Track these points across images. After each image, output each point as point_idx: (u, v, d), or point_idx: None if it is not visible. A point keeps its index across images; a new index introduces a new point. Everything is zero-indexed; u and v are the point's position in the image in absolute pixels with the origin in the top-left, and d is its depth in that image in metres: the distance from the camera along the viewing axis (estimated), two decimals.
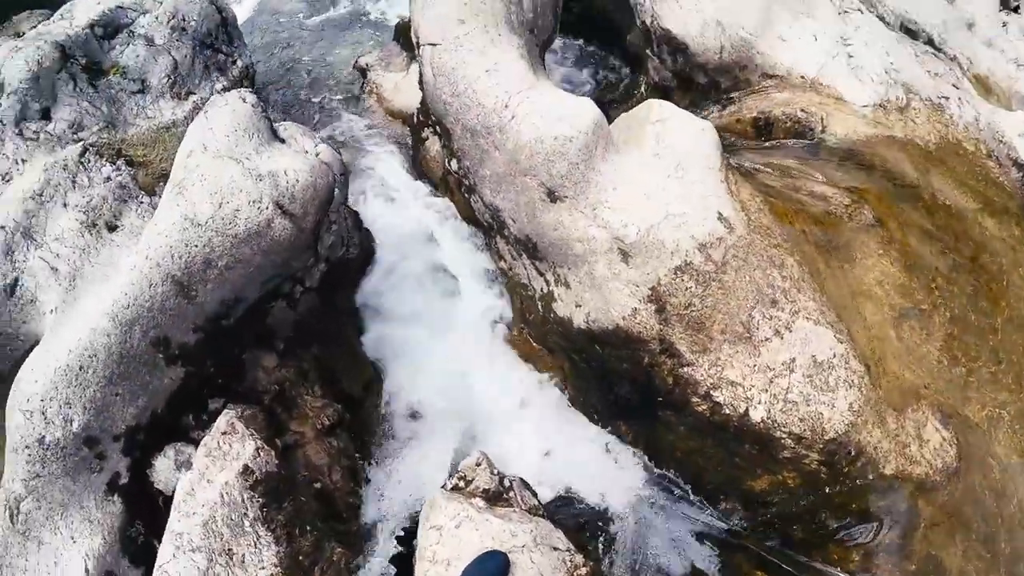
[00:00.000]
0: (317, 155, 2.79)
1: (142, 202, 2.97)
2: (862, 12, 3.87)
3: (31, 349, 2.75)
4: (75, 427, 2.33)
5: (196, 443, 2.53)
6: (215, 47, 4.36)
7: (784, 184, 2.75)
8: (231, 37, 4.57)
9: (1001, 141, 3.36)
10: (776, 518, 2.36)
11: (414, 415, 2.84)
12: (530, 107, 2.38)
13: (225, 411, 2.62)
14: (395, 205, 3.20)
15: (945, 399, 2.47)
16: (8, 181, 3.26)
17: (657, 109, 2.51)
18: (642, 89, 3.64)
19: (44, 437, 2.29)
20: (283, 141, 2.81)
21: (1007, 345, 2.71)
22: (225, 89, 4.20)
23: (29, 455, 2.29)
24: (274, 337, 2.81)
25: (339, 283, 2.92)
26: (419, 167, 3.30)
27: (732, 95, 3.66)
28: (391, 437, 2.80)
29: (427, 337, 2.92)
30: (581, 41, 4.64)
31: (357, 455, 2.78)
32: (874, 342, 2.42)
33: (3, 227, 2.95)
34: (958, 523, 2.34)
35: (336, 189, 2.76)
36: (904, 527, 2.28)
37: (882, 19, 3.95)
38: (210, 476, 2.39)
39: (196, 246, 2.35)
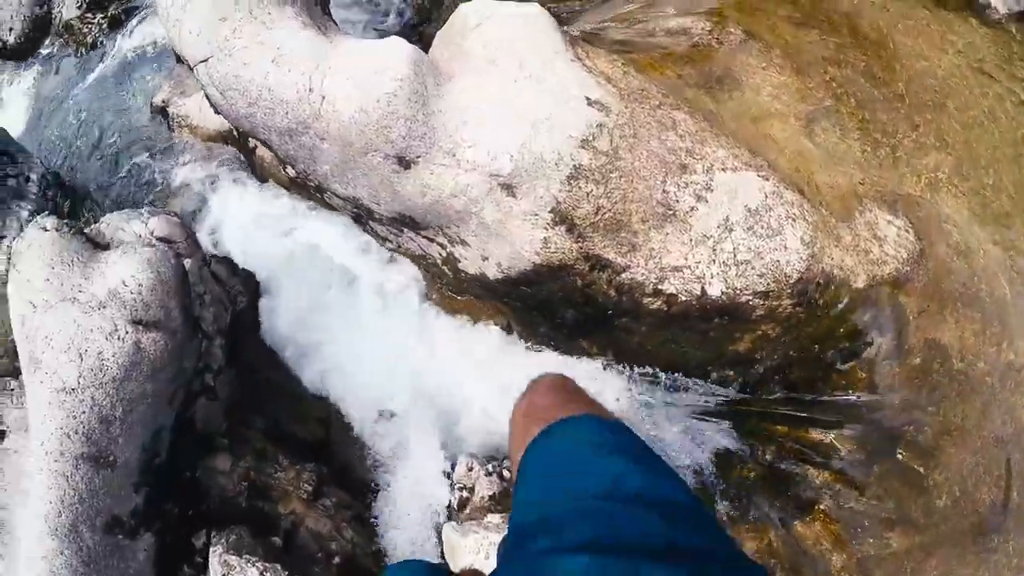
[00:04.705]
0: (152, 234, 2.44)
1: (13, 389, 2.56)
2: None
3: None
4: None
5: None
6: None
7: (637, 32, 2.45)
8: (12, 156, 4.03)
9: None
10: (770, 370, 2.25)
11: (383, 415, 2.60)
12: (337, 79, 2.01)
13: (212, 551, 2.39)
14: (258, 227, 2.83)
15: (883, 186, 2.35)
16: None
17: (472, 11, 2.15)
18: None
19: None
20: (107, 246, 2.43)
21: (917, 105, 2.59)
22: (31, 213, 3.70)
23: None
24: (213, 438, 2.55)
25: (243, 343, 2.63)
26: (263, 178, 2.92)
27: None
28: (376, 462, 2.57)
29: (354, 341, 2.65)
30: None
31: (355, 500, 2.57)
32: (795, 160, 2.26)
33: None
34: (942, 299, 2.28)
35: (187, 261, 2.43)
36: (895, 327, 2.19)
37: None
38: None
39: (83, 412, 2.02)
